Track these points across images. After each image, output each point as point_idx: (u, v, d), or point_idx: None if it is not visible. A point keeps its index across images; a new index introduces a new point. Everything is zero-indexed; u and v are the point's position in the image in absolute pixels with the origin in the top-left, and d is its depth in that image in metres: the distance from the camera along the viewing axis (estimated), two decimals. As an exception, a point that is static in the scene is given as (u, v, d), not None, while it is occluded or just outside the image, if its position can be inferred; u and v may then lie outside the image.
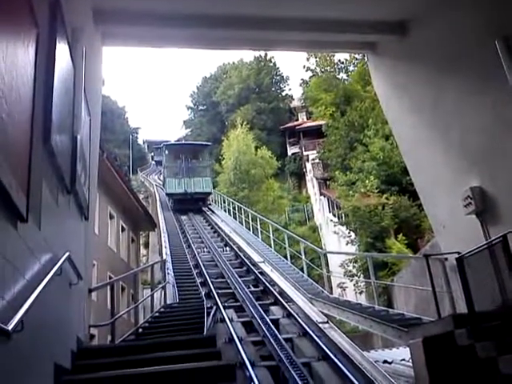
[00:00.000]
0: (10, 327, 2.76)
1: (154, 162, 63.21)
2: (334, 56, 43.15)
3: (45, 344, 3.90)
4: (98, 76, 8.06)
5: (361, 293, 21.11)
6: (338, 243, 27.04)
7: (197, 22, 7.41)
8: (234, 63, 58.78)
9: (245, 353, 7.82)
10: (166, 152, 33.69)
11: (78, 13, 6.05)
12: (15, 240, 3.25)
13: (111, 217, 19.68)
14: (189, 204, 29.62)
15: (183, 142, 48.32)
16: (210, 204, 31.59)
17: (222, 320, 9.98)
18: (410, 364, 6.69)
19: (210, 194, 32.04)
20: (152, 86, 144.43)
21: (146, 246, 34.53)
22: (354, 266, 22.14)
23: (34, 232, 3.76)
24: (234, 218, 25.54)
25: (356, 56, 40.48)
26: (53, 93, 4.23)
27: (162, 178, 39.85)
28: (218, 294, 12.33)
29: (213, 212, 29.13)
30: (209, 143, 38.17)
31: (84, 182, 5.94)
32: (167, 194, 31.98)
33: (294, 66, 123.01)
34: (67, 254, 4.67)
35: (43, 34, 3.98)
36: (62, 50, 4.67)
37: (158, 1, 7.06)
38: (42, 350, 3.80)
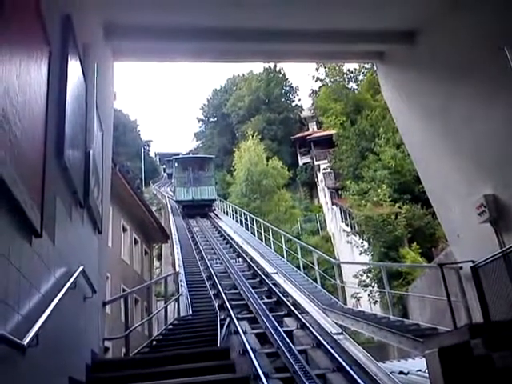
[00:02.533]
0: (25, 342, 2.78)
1: (166, 175, 64.01)
2: (343, 66, 43.34)
3: (59, 358, 3.92)
4: (109, 91, 8.16)
5: (375, 303, 20.91)
6: (351, 253, 26.87)
7: (206, 35, 7.48)
8: (243, 75, 59.07)
9: (259, 365, 7.77)
10: (176, 164, 38.87)
11: (88, 29, 6.15)
12: (30, 255, 3.29)
13: (124, 229, 19.76)
14: (196, 209, 33.34)
15: (191, 155, 51.68)
16: (214, 209, 35.06)
17: (236, 332, 9.95)
18: (427, 375, 6.58)
19: (214, 200, 35.92)
20: (163, 99, 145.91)
21: (159, 257, 34.69)
22: (367, 276, 21.94)
23: (49, 247, 3.80)
24: (246, 228, 25.60)
25: (365, 65, 40.66)
26: (65, 109, 4.29)
27: (172, 187, 44.48)
28: (231, 305, 12.30)
29: (219, 218, 31.78)
30: (213, 156, 43.19)
31: (97, 196, 5.99)
32: (177, 201, 35.83)
33: (304, 77, 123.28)
34: (81, 267, 4.70)
35: (55, 52, 4.05)
36: (73, 67, 4.75)
37: (168, 15, 7.12)
38: (56, 363, 3.82)
